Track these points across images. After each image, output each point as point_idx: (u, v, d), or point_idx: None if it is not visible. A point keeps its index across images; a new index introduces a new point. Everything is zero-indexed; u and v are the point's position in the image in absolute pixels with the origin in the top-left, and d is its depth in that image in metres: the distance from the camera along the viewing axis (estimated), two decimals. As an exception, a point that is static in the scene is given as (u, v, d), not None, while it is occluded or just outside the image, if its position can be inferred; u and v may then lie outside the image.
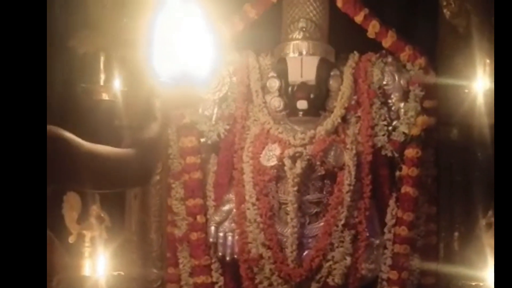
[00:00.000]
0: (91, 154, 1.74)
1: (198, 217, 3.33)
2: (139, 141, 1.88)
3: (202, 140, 3.38)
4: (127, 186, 2.64)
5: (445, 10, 3.42)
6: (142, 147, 1.85)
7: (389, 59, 3.37)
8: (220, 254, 3.31)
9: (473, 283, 3.23)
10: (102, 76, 3.09)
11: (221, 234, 3.31)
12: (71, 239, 3.06)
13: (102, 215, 3.14)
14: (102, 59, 3.09)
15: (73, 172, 1.72)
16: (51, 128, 1.71)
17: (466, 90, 3.24)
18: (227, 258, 3.30)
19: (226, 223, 3.33)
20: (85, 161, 1.72)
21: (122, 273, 3.06)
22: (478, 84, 3.25)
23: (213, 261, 3.34)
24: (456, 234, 3.44)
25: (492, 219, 3.03)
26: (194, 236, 3.33)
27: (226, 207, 3.35)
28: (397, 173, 3.35)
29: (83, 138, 1.77)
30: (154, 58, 1.87)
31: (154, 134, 1.88)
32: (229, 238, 3.30)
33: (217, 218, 3.34)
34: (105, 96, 3.10)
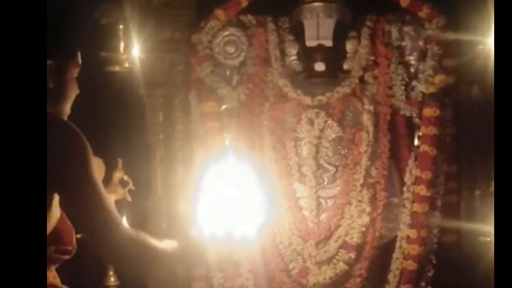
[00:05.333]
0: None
1: (220, 180, 3.40)
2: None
3: (224, 107, 3.43)
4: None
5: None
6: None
7: (407, 18, 3.37)
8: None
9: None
10: (122, 44, 3.17)
11: (242, 196, 3.39)
12: (95, 202, 3.16)
13: (126, 178, 3.23)
14: (121, 27, 3.17)
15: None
16: None
17: (481, 46, 3.21)
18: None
19: (248, 185, 3.39)
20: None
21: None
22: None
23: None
24: (478, 192, 3.44)
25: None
26: (216, 198, 3.40)
27: (247, 170, 3.41)
28: (416, 132, 3.36)
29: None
30: (200, 212, 1.80)
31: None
32: (250, 199, 3.37)
33: (238, 181, 3.40)
34: (125, 64, 3.17)
